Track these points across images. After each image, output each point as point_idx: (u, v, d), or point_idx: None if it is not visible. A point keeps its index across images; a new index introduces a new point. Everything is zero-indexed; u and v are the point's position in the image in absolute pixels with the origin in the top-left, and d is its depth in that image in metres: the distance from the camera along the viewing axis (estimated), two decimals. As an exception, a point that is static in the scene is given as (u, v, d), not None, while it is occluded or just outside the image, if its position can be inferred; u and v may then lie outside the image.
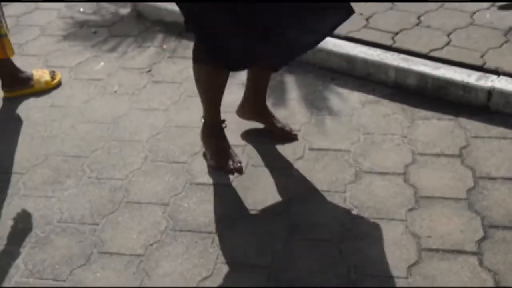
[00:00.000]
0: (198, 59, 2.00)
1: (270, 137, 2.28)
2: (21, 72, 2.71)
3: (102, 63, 2.92)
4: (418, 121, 2.31)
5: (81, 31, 3.22)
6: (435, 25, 2.75)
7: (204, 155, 2.22)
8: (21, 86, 2.69)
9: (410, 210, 1.90)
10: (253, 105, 2.28)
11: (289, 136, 2.28)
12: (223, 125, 2.17)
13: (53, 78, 2.75)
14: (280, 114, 2.40)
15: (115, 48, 3.03)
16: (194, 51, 2.01)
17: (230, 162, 2.11)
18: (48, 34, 3.22)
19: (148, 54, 2.97)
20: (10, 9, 3.40)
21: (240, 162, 2.13)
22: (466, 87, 2.33)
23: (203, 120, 2.16)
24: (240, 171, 2.10)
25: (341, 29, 2.74)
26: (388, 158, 2.14)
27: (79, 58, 2.98)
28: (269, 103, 2.48)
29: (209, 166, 2.16)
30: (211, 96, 2.09)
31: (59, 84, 2.76)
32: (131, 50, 3.01)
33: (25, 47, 3.09)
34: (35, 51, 3.03)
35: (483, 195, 1.93)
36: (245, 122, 2.34)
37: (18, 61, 2.84)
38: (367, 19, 2.85)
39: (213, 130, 2.16)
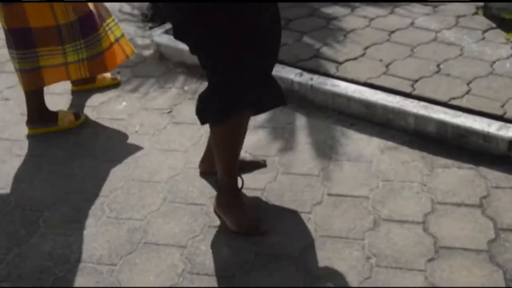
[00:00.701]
0: (229, 113, 1.93)
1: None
2: (48, 110, 2.77)
3: (124, 103, 2.97)
4: (438, 169, 2.31)
5: (105, 71, 3.30)
6: (455, 73, 2.76)
7: (219, 217, 2.13)
8: (46, 123, 2.76)
9: (430, 260, 1.88)
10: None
11: (259, 166, 2.37)
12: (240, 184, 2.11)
13: (77, 118, 2.81)
14: (299, 158, 2.42)
15: (138, 89, 3.09)
16: (220, 107, 1.94)
17: (256, 223, 2.06)
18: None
19: (170, 95, 3.02)
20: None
21: (259, 220, 2.09)
22: (486, 137, 2.33)
23: (219, 186, 2.08)
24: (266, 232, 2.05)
25: (361, 75, 2.80)
26: (407, 206, 2.12)
27: (102, 97, 3.03)
28: (287, 146, 2.50)
29: (233, 232, 2.06)
30: (235, 151, 2.05)
31: (117, 84, 3.06)
32: (153, 91, 3.06)
33: (50, 85, 3.15)
34: (60, 90, 3.09)
35: (504, 247, 1.91)
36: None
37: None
38: (386, 66, 2.88)
39: (232, 194, 2.08)
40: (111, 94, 3.06)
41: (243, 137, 2.05)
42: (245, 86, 1.92)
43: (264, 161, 2.40)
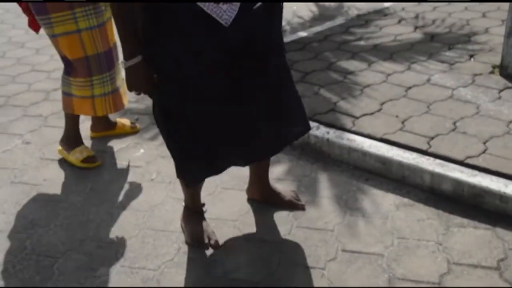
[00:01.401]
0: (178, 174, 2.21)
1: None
2: (76, 135, 2.97)
3: (142, 150, 3.01)
4: (454, 228, 2.29)
5: (125, 118, 3.35)
6: (471, 132, 2.78)
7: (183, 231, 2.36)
8: (107, 128, 3.15)
9: (446, 323, 1.85)
10: (258, 188, 2.49)
11: (297, 208, 2.47)
12: (204, 209, 2.36)
13: (133, 127, 3.18)
14: (314, 212, 2.42)
15: (156, 137, 3.13)
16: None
17: (206, 239, 2.26)
18: (93, 119, 3.36)
19: (187, 144, 3.05)
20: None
21: (215, 241, 2.27)
22: (503, 197, 2.32)
23: (183, 204, 2.35)
24: (216, 247, 2.24)
25: (377, 130, 2.82)
26: (423, 265, 2.10)
27: (121, 143, 3.08)
28: (302, 200, 2.50)
29: (186, 242, 2.29)
30: (194, 196, 2.33)
31: (136, 131, 3.20)
32: (171, 139, 3.10)
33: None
34: (82, 134, 3.15)
35: (522, 312, 1.87)
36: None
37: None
38: (402, 122, 2.90)
39: (193, 215, 2.33)
40: (129, 141, 3.11)
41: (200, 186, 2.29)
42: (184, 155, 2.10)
43: (303, 205, 2.49)
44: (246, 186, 2.54)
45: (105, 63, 2.72)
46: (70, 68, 2.73)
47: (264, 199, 2.50)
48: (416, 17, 4.61)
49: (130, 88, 1.95)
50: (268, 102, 2.04)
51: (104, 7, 2.69)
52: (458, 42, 3.98)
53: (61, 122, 3.30)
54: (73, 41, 2.62)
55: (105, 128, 3.15)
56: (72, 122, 2.93)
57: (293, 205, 2.47)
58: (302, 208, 2.47)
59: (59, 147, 2.97)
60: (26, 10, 2.68)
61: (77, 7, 2.57)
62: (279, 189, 2.52)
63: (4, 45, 4.79)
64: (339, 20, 4.73)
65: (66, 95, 2.82)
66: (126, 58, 1.89)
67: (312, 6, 5.61)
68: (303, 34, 4.40)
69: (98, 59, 2.69)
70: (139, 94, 1.99)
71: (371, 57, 3.82)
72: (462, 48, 3.87)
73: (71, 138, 2.94)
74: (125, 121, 3.22)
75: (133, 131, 3.19)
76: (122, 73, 2.79)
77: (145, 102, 3.54)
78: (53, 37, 2.65)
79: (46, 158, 2.98)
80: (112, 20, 2.73)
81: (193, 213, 2.33)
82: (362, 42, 4.11)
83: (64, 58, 2.74)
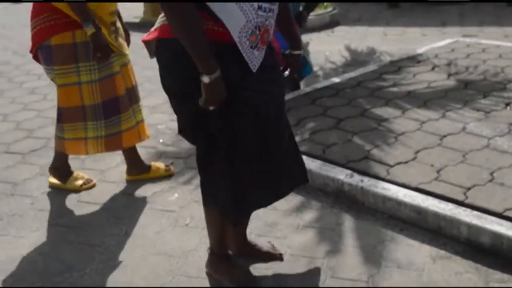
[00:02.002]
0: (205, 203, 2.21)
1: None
2: (66, 167, 3.14)
3: (176, 195, 3.04)
4: (494, 283, 2.23)
5: (160, 161, 3.40)
6: (509, 183, 2.73)
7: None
8: (142, 172, 3.21)
9: None
10: (235, 241, 2.44)
11: (275, 259, 2.43)
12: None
13: (167, 170, 3.25)
14: (347, 263, 2.39)
15: (190, 181, 3.17)
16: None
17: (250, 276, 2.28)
18: (129, 162, 3.42)
19: (221, 188, 3.07)
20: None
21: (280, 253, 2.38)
22: (544, 252, 2.26)
23: (209, 251, 2.34)
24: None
25: (412, 180, 2.80)
26: (461, 322, 2.05)
27: (155, 187, 3.12)
28: (336, 249, 2.48)
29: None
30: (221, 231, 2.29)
31: (171, 175, 3.25)
32: (205, 184, 3.13)
33: (106, 174, 3.28)
34: (115, 178, 3.21)
35: None
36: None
37: (99, 187, 3.04)
38: (438, 171, 2.87)
39: (222, 259, 2.32)
40: (164, 184, 3.15)
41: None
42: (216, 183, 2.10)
43: (281, 255, 2.45)
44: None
45: (102, 112, 2.89)
46: (61, 117, 2.91)
47: (240, 253, 2.45)
48: (449, 64, 4.61)
49: (207, 104, 1.86)
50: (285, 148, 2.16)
51: (114, 59, 2.85)
52: (493, 89, 3.96)
53: (97, 165, 3.37)
54: (73, 92, 2.82)
55: (140, 172, 3.20)
56: (62, 156, 3.10)
57: (271, 256, 2.44)
58: (280, 257, 2.43)
59: (51, 179, 3.15)
60: (35, 57, 2.88)
61: (82, 61, 2.75)
62: (254, 241, 2.49)
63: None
64: (372, 66, 4.77)
65: (59, 138, 3.00)
66: (206, 73, 1.80)
67: (344, 51, 5.67)
68: (336, 80, 4.44)
69: (95, 109, 2.87)
70: (212, 108, 1.91)
71: (405, 104, 3.82)
72: (498, 95, 3.85)
73: (63, 170, 3.12)
74: (159, 165, 3.27)
75: (167, 174, 3.24)
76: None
77: (180, 145, 3.60)
78: (56, 86, 2.86)
79: (82, 201, 3.03)
80: (129, 66, 3.00)
81: (221, 257, 2.33)
82: (395, 89, 4.12)
83: (57, 108, 2.92)
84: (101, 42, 2.68)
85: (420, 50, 5.12)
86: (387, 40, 6.05)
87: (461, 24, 6.51)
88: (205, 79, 1.80)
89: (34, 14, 2.75)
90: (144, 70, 5.27)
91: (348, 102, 3.90)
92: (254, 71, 1.91)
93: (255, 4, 1.82)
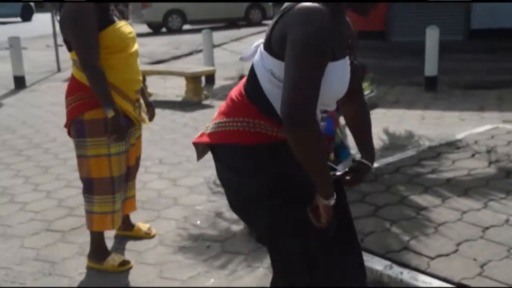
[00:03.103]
0: None
1: None
2: (103, 248, 3.20)
3: (212, 280, 3.02)
4: None
5: (196, 244, 3.41)
6: (557, 281, 2.63)
7: None
8: (125, 229, 3.52)
9: None
10: None
11: None
12: None
13: (147, 233, 3.49)
14: None
15: (226, 265, 3.15)
16: None
17: None
18: (166, 244, 3.44)
19: (257, 275, 3.04)
20: (135, 214, 3.71)
21: None
22: None
23: None
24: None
25: (454, 274, 2.71)
26: None
27: (191, 271, 3.11)
28: None
29: None
30: None
31: (151, 237, 3.50)
32: (241, 269, 3.11)
33: (143, 255, 3.30)
34: (152, 260, 3.21)
35: None
36: None
37: (136, 268, 3.05)
38: (481, 266, 2.79)
39: None
40: (199, 268, 3.14)
41: None
42: None
43: None
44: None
45: (125, 181, 3.15)
46: (91, 187, 3.03)
47: None
48: (490, 151, 4.57)
49: (321, 225, 1.81)
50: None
51: (133, 130, 3.12)
52: (536, 179, 3.89)
53: (134, 246, 3.39)
54: (103, 163, 2.98)
55: (124, 229, 3.47)
56: (98, 237, 3.16)
57: None
58: None
59: (89, 263, 3.16)
60: (69, 132, 3.04)
61: (124, 134, 2.95)
62: None
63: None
64: (410, 152, 4.76)
65: (88, 213, 3.10)
66: (325, 197, 1.76)
67: (382, 134, 5.68)
68: (374, 165, 4.42)
69: (120, 180, 3.07)
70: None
71: (445, 192, 3.77)
72: (541, 186, 3.77)
73: (99, 251, 3.16)
74: (142, 226, 3.56)
75: (147, 237, 3.51)
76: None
77: (217, 228, 3.61)
78: (83, 157, 2.99)
79: (120, 282, 3.03)
80: (140, 138, 3.31)
81: None
82: (434, 176, 4.08)
83: (85, 179, 3.05)
84: (119, 125, 2.89)
85: (459, 136, 5.10)
86: (425, 123, 6.06)
87: (500, 109, 6.49)
88: (324, 201, 1.76)
89: (69, 93, 2.98)
90: (185, 149, 5.39)
91: (386, 189, 3.87)
92: None
93: (319, 115, 1.85)
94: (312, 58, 1.65)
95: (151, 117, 3.35)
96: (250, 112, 1.86)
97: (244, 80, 1.98)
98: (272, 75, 1.80)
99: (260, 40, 1.97)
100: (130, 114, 3.02)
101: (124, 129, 2.92)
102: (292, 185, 1.84)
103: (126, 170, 3.16)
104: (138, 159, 3.35)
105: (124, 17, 3.05)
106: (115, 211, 3.08)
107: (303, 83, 1.64)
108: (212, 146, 1.98)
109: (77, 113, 2.92)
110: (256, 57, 1.90)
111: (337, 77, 1.80)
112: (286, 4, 1.81)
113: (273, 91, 1.81)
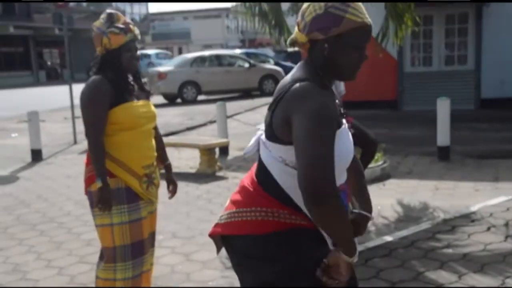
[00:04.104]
0: None
1: None
2: None
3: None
4: None
5: (208, 324, 3.36)
6: None
7: None
8: None
9: None
10: None
11: None
12: None
13: None
14: None
15: None
16: None
17: None
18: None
19: None
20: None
21: None
22: None
23: None
24: None
25: None
26: None
27: None
28: None
29: None
30: None
31: None
32: None
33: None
34: None
35: None
36: None
37: None
38: None
39: None
40: None
41: None
42: None
43: None
44: None
45: (130, 253, 3.10)
46: (101, 254, 3.14)
47: None
48: (506, 224, 4.52)
49: (343, 281, 1.83)
50: None
51: (142, 206, 3.12)
52: (555, 254, 3.81)
53: (147, 326, 3.34)
54: (106, 232, 3.04)
55: None
56: None
57: None
58: None
59: None
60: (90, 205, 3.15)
61: (114, 204, 3.00)
62: None
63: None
64: (425, 224, 4.72)
65: (96, 277, 3.17)
66: (349, 255, 1.78)
67: (396, 205, 5.65)
68: (388, 238, 4.39)
69: (124, 250, 3.07)
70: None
71: (461, 267, 3.71)
72: (560, 261, 3.70)
73: None
74: None
75: None
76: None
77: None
78: (95, 226, 3.13)
79: None
80: (154, 214, 3.28)
81: None
82: (450, 250, 4.03)
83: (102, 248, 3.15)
84: (104, 197, 2.96)
85: (474, 208, 5.05)
86: (439, 194, 6.02)
87: (515, 179, 6.45)
88: (348, 259, 1.78)
89: (87, 163, 3.12)
90: (198, 222, 5.39)
91: (401, 264, 3.82)
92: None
93: None
94: (324, 130, 1.69)
95: (172, 194, 3.43)
96: (268, 202, 1.86)
97: (254, 167, 2.00)
98: (283, 162, 1.83)
99: (259, 132, 1.99)
100: (135, 189, 3.08)
101: (108, 200, 2.97)
102: (314, 269, 1.81)
103: (138, 242, 3.12)
104: (152, 235, 3.32)
105: (147, 97, 3.19)
106: (116, 280, 3.09)
107: (320, 156, 1.64)
108: (226, 236, 1.97)
109: (89, 184, 3.07)
110: (262, 149, 1.92)
111: (344, 144, 1.83)
112: (276, 92, 1.86)
113: (288, 181, 1.82)
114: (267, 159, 1.88)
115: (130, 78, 3.12)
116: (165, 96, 18.06)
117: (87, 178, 3.09)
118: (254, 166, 2.00)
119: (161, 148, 3.35)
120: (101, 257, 3.16)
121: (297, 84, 1.78)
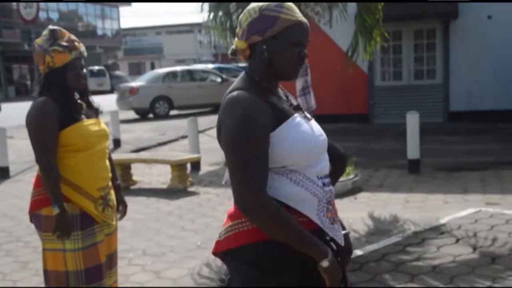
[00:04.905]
0: None
1: None
2: None
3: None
4: None
5: None
6: None
7: None
8: None
9: None
10: None
11: None
12: None
13: None
14: None
15: None
16: None
17: None
18: None
19: None
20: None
21: None
22: None
23: None
24: None
25: None
26: None
27: None
28: None
29: None
30: None
31: None
32: None
33: None
34: None
35: None
36: None
37: None
38: None
39: None
40: None
41: None
42: None
43: None
44: None
45: (84, 279, 2.95)
46: (47, 279, 2.97)
47: None
48: (474, 236, 4.57)
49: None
50: None
51: (97, 230, 2.99)
52: (522, 265, 3.86)
53: None
54: (58, 257, 2.91)
55: None
56: None
57: None
58: None
59: None
60: (31, 220, 3.04)
61: (68, 233, 2.87)
62: None
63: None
64: (395, 238, 4.74)
65: None
66: (323, 257, 1.76)
67: (367, 219, 5.67)
68: (359, 252, 4.40)
69: (77, 275, 2.93)
70: None
71: (431, 280, 3.73)
72: (527, 272, 3.74)
73: None
74: None
75: None
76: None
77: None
78: (43, 250, 2.96)
79: None
80: (114, 234, 3.15)
81: None
82: (420, 263, 4.05)
83: (43, 270, 2.99)
84: (63, 223, 2.85)
85: (443, 220, 5.10)
86: (410, 207, 6.07)
87: (483, 192, 6.54)
88: (325, 263, 1.76)
89: (35, 186, 3.01)
90: (169, 239, 5.32)
91: (372, 278, 3.82)
92: (343, 244, 1.90)
93: (319, 182, 1.86)
94: (245, 146, 1.75)
95: (121, 216, 3.30)
96: None
97: None
98: None
99: None
100: (90, 213, 2.94)
101: (68, 227, 2.86)
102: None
103: (93, 267, 2.99)
104: (110, 256, 3.16)
105: (96, 115, 3.08)
106: None
107: (241, 173, 1.75)
108: (226, 252, 1.93)
109: (36, 207, 2.95)
110: None
111: (297, 133, 1.84)
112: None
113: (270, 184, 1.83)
114: None
115: (77, 96, 3.00)
116: (137, 111, 17.94)
117: (35, 201, 2.97)
118: None
119: (112, 167, 3.21)
120: (48, 282, 2.98)
121: (230, 94, 1.85)
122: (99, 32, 49.08)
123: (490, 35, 12.17)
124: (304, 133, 1.86)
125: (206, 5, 7.63)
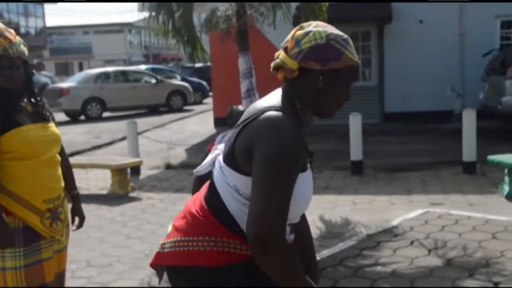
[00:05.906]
0: None
1: None
2: None
3: None
4: None
5: None
6: None
7: None
8: None
9: None
10: None
11: None
12: None
13: None
14: None
15: None
16: None
17: None
18: None
19: None
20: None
21: None
22: None
23: None
24: None
25: None
26: None
27: None
28: None
29: None
30: None
31: None
32: None
33: None
34: None
35: None
36: None
37: None
38: None
39: None
40: None
41: None
42: None
43: None
44: None
45: None
46: None
47: None
48: (427, 237, 4.61)
49: None
50: None
51: (43, 246, 2.72)
52: (476, 267, 3.92)
53: None
54: None
55: None
56: None
57: None
58: None
59: None
60: None
61: (8, 247, 2.61)
62: None
63: None
64: (350, 241, 4.71)
65: None
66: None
67: (318, 221, 5.63)
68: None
69: None
70: None
71: (391, 285, 3.70)
72: (482, 273, 3.79)
73: None
74: None
75: None
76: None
77: None
78: None
79: None
80: (64, 251, 2.88)
81: None
82: (378, 268, 4.03)
83: None
84: (2, 238, 2.58)
85: (394, 222, 5.13)
86: (358, 209, 6.09)
87: (426, 192, 6.67)
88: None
89: None
90: (115, 248, 5.06)
91: (332, 284, 3.76)
92: None
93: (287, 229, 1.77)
94: (286, 177, 1.57)
95: (77, 228, 3.05)
96: (218, 231, 1.71)
97: (202, 191, 1.84)
98: (237, 191, 1.69)
99: (216, 152, 1.86)
100: (35, 227, 2.67)
101: (7, 243, 2.60)
102: None
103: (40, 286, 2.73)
104: (59, 275, 2.89)
105: (46, 118, 2.79)
106: None
107: (276, 206, 1.55)
108: (170, 267, 1.78)
109: None
110: (216, 172, 1.77)
111: (306, 187, 1.74)
112: (247, 114, 1.73)
113: (238, 209, 1.70)
114: (220, 183, 1.73)
115: (24, 98, 2.72)
116: (67, 113, 17.23)
117: None
118: (202, 192, 1.83)
119: (68, 175, 2.95)
120: None
121: (269, 113, 1.65)
122: (22, 30, 46.95)
123: (422, 39, 12.57)
124: (307, 192, 1.77)
125: (144, 4, 7.39)
